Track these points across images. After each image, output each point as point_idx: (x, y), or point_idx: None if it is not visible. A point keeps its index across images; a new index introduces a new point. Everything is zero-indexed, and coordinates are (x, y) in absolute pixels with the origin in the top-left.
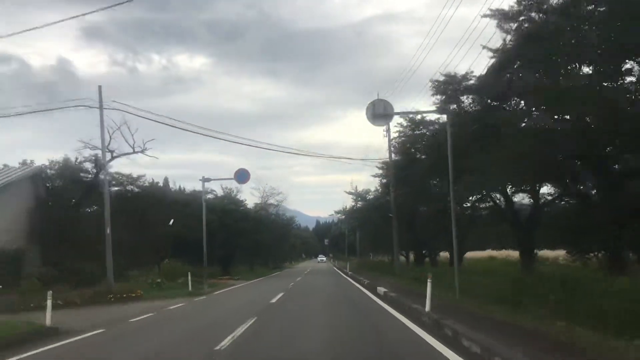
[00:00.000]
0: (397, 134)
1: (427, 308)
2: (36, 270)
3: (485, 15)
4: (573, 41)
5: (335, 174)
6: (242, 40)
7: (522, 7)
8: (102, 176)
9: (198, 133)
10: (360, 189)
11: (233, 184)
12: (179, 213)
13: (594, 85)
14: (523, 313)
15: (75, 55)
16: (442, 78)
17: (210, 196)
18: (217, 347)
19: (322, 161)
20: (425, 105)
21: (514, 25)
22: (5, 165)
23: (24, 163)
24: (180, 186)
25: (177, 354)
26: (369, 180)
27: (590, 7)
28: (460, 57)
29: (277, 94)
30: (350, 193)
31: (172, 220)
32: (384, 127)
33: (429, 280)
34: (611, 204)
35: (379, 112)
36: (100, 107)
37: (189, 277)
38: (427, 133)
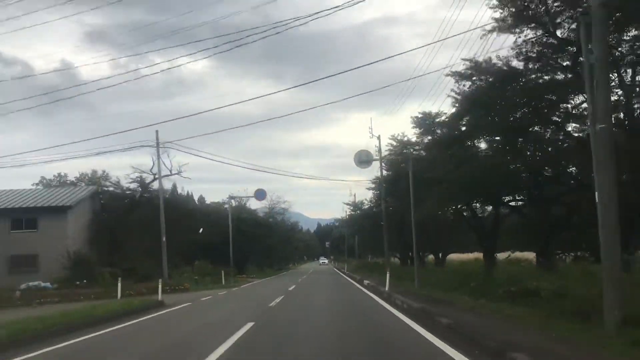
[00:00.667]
0: (387, 152)
1: (387, 289)
2: (104, 269)
3: (447, 75)
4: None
5: (337, 175)
6: (245, 43)
7: (471, 73)
8: (160, 196)
9: (242, 167)
10: (361, 189)
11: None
12: (203, 222)
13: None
14: (454, 294)
15: (77, 57)
16: (420, 115)
17: (225, 205)
18: (270, 305)
19: (324, 163)
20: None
21: (467, 84)
22: (72, 183)
23: (81, 179)
24: (201, 196)
25: (247, 311)
26: (370, 179)
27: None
28: (434, 101)
29: (279, 96)
30: (347, 204)
31: (201, 229)
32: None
33: (387, 272)
34: (541, 220)
35: (363, 159)
36: (157, 147)
37: (223, 275)
38: (414, 151)
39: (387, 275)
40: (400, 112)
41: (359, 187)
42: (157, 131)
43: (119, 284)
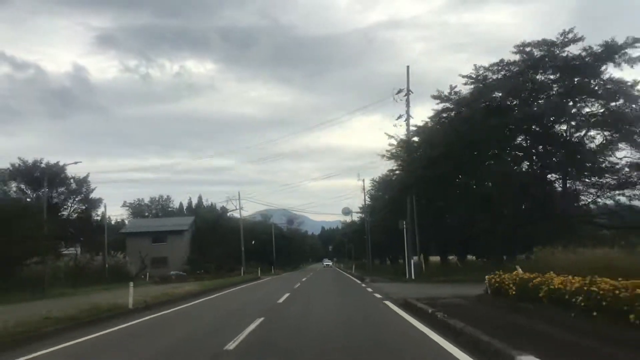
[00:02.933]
0: (370, 185)
1: (352, 271)
2: (207, 264)
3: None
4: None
5: (341, 179)
6: (251, 47)
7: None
8: (240, 224)
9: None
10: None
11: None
12: (248, 234)
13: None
14: (394, 276)
15: (87, 61)
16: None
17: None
18: (304, 279)
19: (328, 165)
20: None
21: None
22: (179, 211)
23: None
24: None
25: (290, 283)
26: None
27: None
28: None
29: (284, 99)
30: (344, 222)
31: (253, 241)
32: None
33: (353, 266)
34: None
35: (347, 212)
36: (239, 200)
37: (272, 269)
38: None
39: (353, 267)
40: (403, 116)
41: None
42: (239, 192)
43: (242, 270)
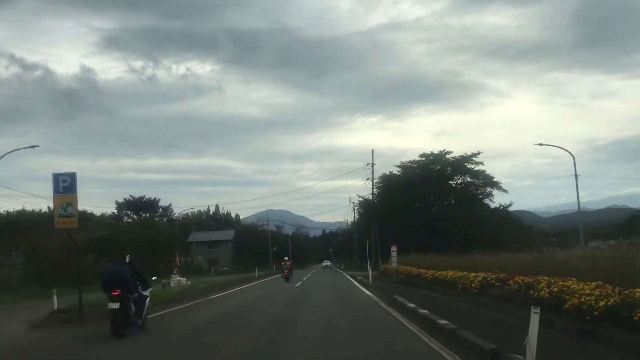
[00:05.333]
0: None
1: (341, 268)
2: (244, 264)
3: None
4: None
5: (341, 179)
6: (253, 49)
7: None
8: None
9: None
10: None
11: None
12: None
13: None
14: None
15: (93, 62)
16: (359, 199)
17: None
18: (313, 272)
19: (328, 166)
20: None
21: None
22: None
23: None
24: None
25: (307, 273)
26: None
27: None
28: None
29: (285, 100)
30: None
31: (274, 247)
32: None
33: (343, 265)
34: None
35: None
36: (268, 223)
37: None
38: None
39: (342, 265)
40: (403, 117)
41: (363, 190)
42: (268, 215)
43: (273, 266)
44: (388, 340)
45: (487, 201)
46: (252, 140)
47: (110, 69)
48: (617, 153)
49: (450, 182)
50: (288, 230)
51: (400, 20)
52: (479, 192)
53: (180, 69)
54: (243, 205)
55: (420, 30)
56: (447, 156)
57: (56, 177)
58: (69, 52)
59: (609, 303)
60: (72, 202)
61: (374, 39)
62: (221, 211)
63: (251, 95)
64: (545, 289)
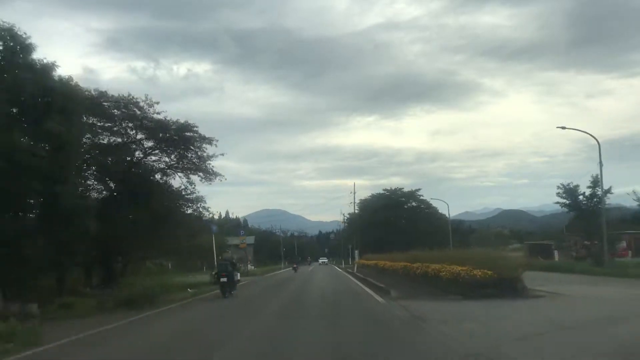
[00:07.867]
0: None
1: (334, 264)
2: (262, 262)
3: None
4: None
5: (338, 178)
6: (250, 49)
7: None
8: (280, 241)
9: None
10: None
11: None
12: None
13: None
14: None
15: (94, 62)
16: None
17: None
18: (313, 267)
19: (325, 165)
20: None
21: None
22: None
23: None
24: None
25: (310, 267)
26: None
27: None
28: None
29: (281, 100)
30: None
31: (284, 248)
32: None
33: (335, 262)
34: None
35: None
36: (282, 236)
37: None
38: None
39: (334, 262)
40: (400, 116)
41: (362, 190)
42: (280, 225)
43: (283, 263)
44: (346, 282)
45: (426, 214)
46: (249, 140)
47: (108, 68)
48: (612, 152)
49: (404, 206)
50: (285, 227)
51: (396, 20)
52: (419, 210)
53: (176, 69)
54: (239, 205)
55: (417, 30)
56: (401, 190)
57: None
58: (68, 53)
59: (429, 270)
60: None
61: (370, 39)
62: (231, 216)
63: (248, 95)
64: (427, 268)
